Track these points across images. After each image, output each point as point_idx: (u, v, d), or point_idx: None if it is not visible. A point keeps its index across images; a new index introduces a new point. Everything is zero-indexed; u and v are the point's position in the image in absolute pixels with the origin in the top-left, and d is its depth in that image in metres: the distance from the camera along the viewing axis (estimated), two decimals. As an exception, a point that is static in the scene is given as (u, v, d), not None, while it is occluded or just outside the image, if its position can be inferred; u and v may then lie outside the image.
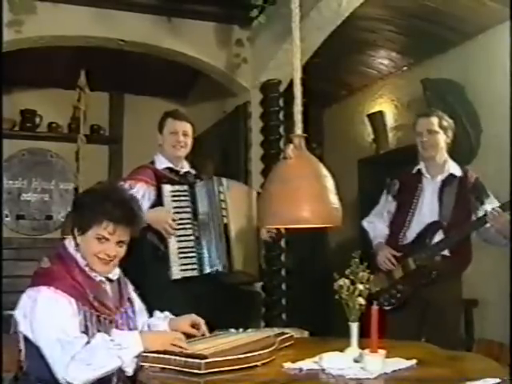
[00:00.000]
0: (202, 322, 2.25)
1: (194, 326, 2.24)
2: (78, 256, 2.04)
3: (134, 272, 2.31)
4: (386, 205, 3.36)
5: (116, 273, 2.14)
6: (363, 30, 4.55)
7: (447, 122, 3.22)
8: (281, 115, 4.48)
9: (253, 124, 4.59)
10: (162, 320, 2.27)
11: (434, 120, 3.19)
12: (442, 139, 3.20)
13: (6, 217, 5.62)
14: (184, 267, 2.89)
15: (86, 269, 2.03)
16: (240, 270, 3.02)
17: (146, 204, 2.94)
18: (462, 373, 1.90)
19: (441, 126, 3.19)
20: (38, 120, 5.77)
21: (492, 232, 3.06)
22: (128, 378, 1.90)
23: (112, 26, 4.16)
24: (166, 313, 2.32)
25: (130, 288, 2.24)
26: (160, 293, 2.54)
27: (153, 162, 3.13)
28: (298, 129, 2.01)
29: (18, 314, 1.95)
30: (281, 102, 4.47)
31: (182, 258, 2.90)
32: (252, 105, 4.60)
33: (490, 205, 3.10)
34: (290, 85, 2.15)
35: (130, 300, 2.18)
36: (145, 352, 1.87)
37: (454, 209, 3.13)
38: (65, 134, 5.78)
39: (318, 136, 6.16)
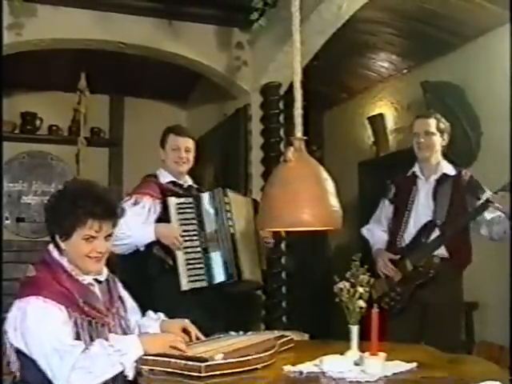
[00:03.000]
0: (193, 329, 2.21)
1: (186, 330, 2.20)
2: (63, 261, 2.00)
3: (143, 286, 2.33)
4: (384, 210, 3.38)
5: (104, 273, 2.11)
6: (363, 33, 4.55)
7: (444, 124, 3.24)
8: (281, 118, 4.48)
9: (253, 127, 4.59)
10: (153, 321, 2.25)
11: (432, 122, 3.21)
12: (438, 141, 3.21)
13: (7, 219, 5.62)
14: (192, 278, 2.91)
15: (73, 273, 1.99)
16: (248, 279, 3.03)
17: (152, 217, 2.96)
18: (463, 376, 1.90)
19: (438, 128, 3.21)
20: (38, 123, 5.78)
21: (495, 221, 3.04)
22: (127, 381, 1.89)
23: (112, 28, 4.16)
24: (160, 314, 2.30)
25: (120, 286, 2.21)
26: (169, 305, 2.52)
27: (156, 176, 3.14)
28: (298, 131, 2.01)
29: (7, 326, 1.90)
30: (281, 105, 4.47)
31: (190, 269, 2.92)
32: (252, 107, 4.60)
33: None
34: (291, 87, 2.15)
35: (120, 298, 2.16)
36: (144, 355, 1.86)
37: (449, 207, 3.13)
38: (65, 137, 5.79)
39: (318, 139, 6.16)
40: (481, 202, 3.05)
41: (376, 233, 3.38)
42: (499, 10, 3.78)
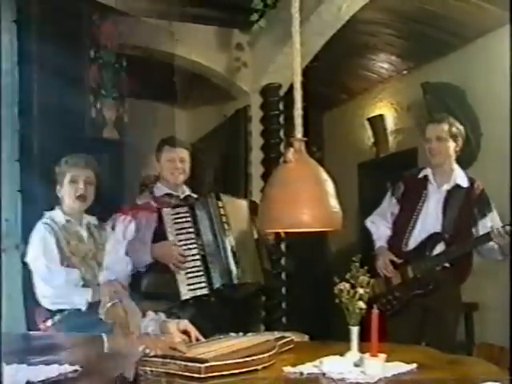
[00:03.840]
0: (193, 330, 2.22)
1: (185, 331, 2.20)
2: None
3: (148, 298, 2.35)
4: (390, 206, 3.33)
5: None
6: (363, 34, 4.56)
7: (458, 129, 3.17)
8: (281, 119, 4.49)
9: (253, 128, 4.60)
10: (153, 322, 2.25)
11: (444, 127, 3.14)
12: (451, 147, 3.15)
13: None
14: (193, 287, 2.91)
15: None
16: (248, 282, 3.03)
17: (149, 232, 2.96)
18: (462, 377, 1.90)
19: (450, 134, 3.14)
20: (38, 123, 5.78)
21: (488, 248, 3.04)
22: (128, 382, 1.88)
23: (112, 29, 4.16)
24: (161, 314, 2.31)
25: None
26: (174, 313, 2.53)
27: (152, 192, 3.15)
28: (298, 132, 2.00)
29: None
30: (281, 106, 4.48)
31: (189, 278, 2.92)
32: (252, 108, 4.60)
33: (491, 219, 3.09)
34: (290, 88, 2.15)
35: None
36: (144, 356, 1.87)
37: (457, 221, 3.09)
38: (65, 138, 5.79)
39: (318, 140, 6.17)
40: (484, 232, 3.03)
41: (380, 227, 3.33)
42: (499, 11, 3.78)
